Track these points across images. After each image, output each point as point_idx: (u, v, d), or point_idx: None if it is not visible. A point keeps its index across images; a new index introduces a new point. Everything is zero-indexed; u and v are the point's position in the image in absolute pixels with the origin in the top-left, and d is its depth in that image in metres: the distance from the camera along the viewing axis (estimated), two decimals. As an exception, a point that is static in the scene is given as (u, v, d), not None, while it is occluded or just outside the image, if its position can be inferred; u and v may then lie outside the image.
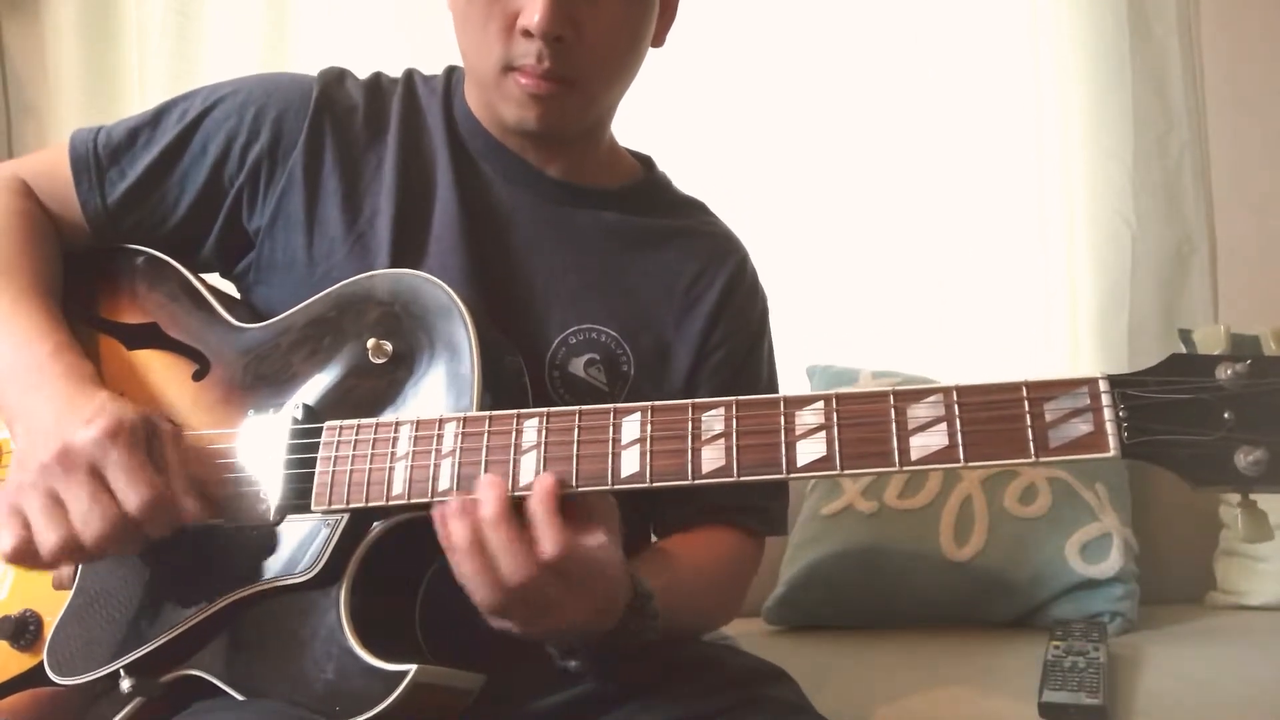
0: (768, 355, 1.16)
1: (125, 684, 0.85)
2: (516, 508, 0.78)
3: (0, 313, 0.93)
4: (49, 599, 0.92)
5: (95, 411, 0.83)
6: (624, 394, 1.03)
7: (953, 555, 1.59)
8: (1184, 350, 0.74)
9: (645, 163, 1.17)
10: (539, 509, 0.77)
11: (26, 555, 0.82)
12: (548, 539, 0.76)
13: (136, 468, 0.81)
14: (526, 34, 0.93)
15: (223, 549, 0.88)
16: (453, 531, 0.78)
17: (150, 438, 0.84)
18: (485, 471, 0.81)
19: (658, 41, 1.07)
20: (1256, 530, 0.72)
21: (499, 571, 0.77)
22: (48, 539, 0.81)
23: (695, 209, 1.17)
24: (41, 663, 0.90)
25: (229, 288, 1.09)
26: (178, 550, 0.89)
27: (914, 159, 2.08)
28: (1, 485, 0.85)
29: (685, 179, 1.19)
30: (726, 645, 1.08)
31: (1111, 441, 0.71)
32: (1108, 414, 0.71)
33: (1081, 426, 0.72)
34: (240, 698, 0.85)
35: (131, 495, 0.80)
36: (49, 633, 0.91)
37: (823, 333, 2.02)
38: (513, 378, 0.94)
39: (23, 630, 0.92)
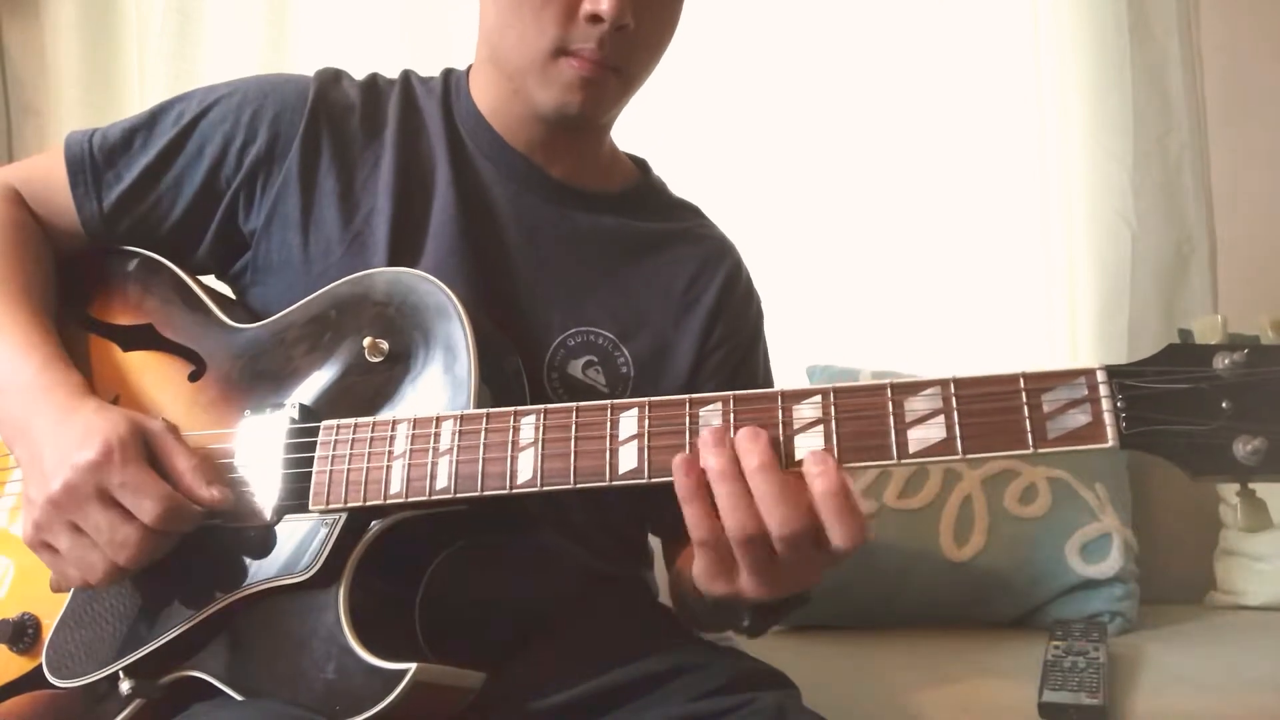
0: (764, 356, 1.16)
1: (125, 686, 0.85)
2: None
3: None
4: (47, 601, 0.92)
5: (84, 433, 0.83)
6: (624, 396, 1.03)
7: (953, 555, 1.59)
8: (1183, 346, 0.74)
9: (641, 166, 1.17)
10: (840, 501, 0.73)
11: (89, 586, 0.85)
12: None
13: (140, 482, 0.82)
14: (593, 19, 0.94)
15: (221, 549, 0.88)
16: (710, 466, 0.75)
17: (146, 444, 0.84)
18: (484, 470, 0.81)
19: None
20: (1256, 519, 0.72)
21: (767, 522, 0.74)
22: (95, 569, 0.83)
23: (690, 212, 1.17)
24: (40, 665, 0.90)
25: (226, 289, 1.08)
26: (176, 551, 0.88)
27: (915, 159, 2.08)
28: (21, 514, 0.86)
29: (686, 180, 1.20)
30: (728, 647, 1.08)
31: (1110, 432, 0.71)
32: (1106, 404, 0.71)
33: (1080, 417, 0.72)
34: (240, 698, 0.85)
35: (145, 508, 0.81)
36: (47, 635, 0.90)
37: (823, 333, 2.02)
38: (510, 377, 0.93)
39: (21, 633, 0.92)
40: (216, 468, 0.88)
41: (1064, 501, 1.60)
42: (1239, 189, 2.06)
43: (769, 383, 1.17)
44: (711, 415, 0.78)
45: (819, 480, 0.73)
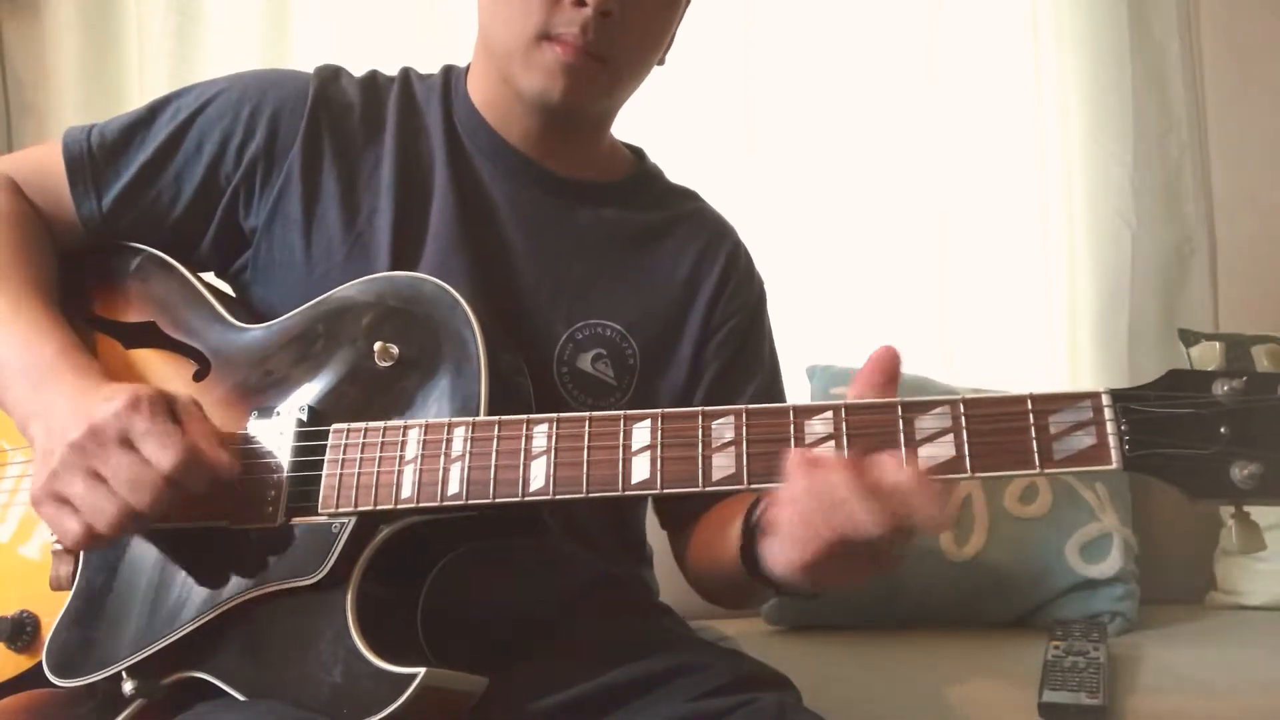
0: (768, 335, 1.17)
1: (127, 686, 0.84)
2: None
3: (1, 315, 0.93)
4: (46, 599, 0.91)
5: (112, 390, 0.84)
6: (632, 387, 1.04)
7: (953, 555, 1.59)
8: (1183, 349, 0.76)
9: (637, 154, 1.17)
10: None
11: (90, 538, 0.83)
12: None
13: (163, 431, 0.81)
14: (578, 3, 0.94)
15: (227, 551, 0.88)
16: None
17: (169, 405, 0.84)
18: (496, 477, 0.81)
19: (661, 58, 1.08)
20: (1249, 541, 0.74)
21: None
22: (105, 514, 0.81)
23: (688, 197, 1.18)
24: (40, 664, 0.89)
25: (227, 286, 1.08)
26: (182, 551, 0.88)
27: (915, 159, 2.08)
28: (31, 478, 0.84)
29: (685, 179, 1.20)
30: (728, 648, 1.08)
31: (1114, 454, 0.73)
32: (1110, 427, 0.73)
33: (1085, 439, 0.73)
34: (243, 699, 0.85)
35: (164, 456, 0.81)
36: (47, 634, 0.90)
37: (823, 333, 2.02)
38: (517, 379, 0.93)
39: (20, 631, 0.91)
40: (230, 439, 0.88)
41: (1064, 501, 1.61)
42: (1239, 189, 2.06)
43: (775, 365, 1.17)
44: (724, 428, 0.79)
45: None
